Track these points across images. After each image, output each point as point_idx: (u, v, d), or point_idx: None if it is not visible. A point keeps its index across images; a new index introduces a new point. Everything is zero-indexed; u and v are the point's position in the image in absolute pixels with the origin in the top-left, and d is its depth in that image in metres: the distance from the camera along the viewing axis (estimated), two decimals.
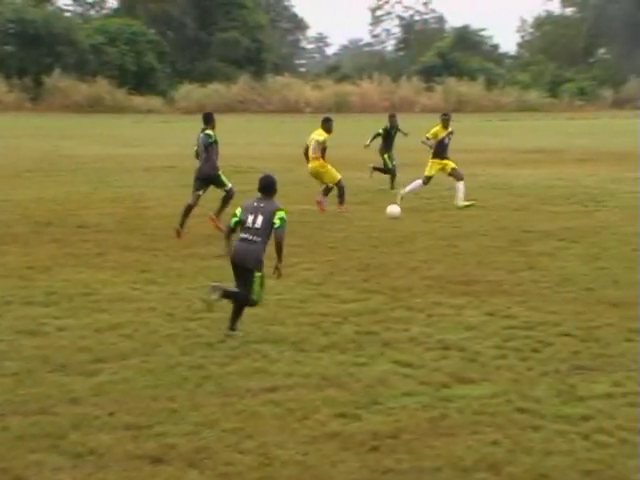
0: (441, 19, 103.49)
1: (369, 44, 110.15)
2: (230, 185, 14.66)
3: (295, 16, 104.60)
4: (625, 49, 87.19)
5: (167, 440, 5.87)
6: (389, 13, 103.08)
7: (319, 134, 17.04)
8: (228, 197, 14.53)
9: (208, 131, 14.57)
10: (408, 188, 17.38)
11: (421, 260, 11.77)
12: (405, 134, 21.01)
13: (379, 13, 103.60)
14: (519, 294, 9.82)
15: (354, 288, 10.19)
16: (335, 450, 5.73)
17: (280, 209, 8.43)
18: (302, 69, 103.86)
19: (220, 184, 14.64)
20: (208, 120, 14.77)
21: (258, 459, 5.61)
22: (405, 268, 11.27)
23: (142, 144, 34.87)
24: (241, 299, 8.34)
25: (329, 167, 16.79)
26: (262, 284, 8.34)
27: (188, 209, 14.08)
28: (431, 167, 17.24)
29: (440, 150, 17.08)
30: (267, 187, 8.72)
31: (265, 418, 6.25)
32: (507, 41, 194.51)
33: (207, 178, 14.46)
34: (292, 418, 6.24)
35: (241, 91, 71.86)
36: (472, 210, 16.41)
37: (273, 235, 8.31)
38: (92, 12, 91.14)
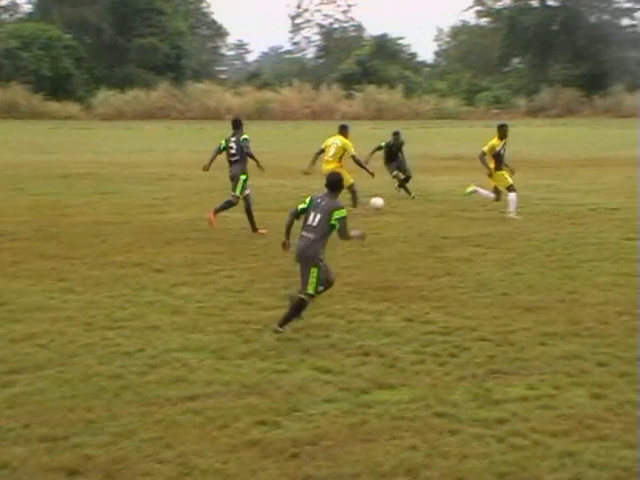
0: (360, 27, 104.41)
1: (289, 51, 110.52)
2: (238, 194, 15.18)
3: (215, 23, 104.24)
4: (537, 59, 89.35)
5: (84, 451, 5.78)
6: (309, 21, 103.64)
7: (338, 139, 17.76)
8: (231, 203, 15.21)
9: (245, 135, 15.37)
10: (482, 193, 17.44)
11: (342, 266, 11.81)
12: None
13: (299, 21, 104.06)
14: (437, 300, 9.96)
15: (275, 295, 10.19)
16: (255, 458, 5.72)
17: (338, 208, 8.71)
18: (222, 76, 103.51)
19: (234, 187, 15.20)
20: (238, 125, 15.56)
21: (177, 469, 5.57)
22: None
23: (59, 151, 34.31)
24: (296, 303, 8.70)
25: (344, 171, 16.45)
26: (318, 277, 8.63)
27: (248, 212, 15.03)
28: (502, 177, 17.05)
29: (499, 162, 16.97)
30: (332, 184, 8.97)
31: (184, 427, 6.20)
32: (425, 50, 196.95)
33: (232, 177, 15.22)
34: (212, 426, 6.21)
35: (161, 98, 71.35)
36: (391, 217, 16.57)
37: (338, 236, 8.78)
38: (5, 16, 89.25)
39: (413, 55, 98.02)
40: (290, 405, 6.60)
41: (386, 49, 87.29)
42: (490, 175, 16.96)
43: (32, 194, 19.87)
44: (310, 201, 8.81)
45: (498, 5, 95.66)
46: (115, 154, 32.63)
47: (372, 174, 17.98)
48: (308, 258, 8.66)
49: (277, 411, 6.49)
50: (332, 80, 79.08)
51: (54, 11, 78.33)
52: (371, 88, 73.38)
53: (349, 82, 76.28)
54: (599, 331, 8.59)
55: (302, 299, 8.65)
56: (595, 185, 22.11)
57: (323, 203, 8.72)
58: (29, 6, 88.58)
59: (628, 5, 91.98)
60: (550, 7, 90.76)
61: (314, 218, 8.66)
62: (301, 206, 8.85)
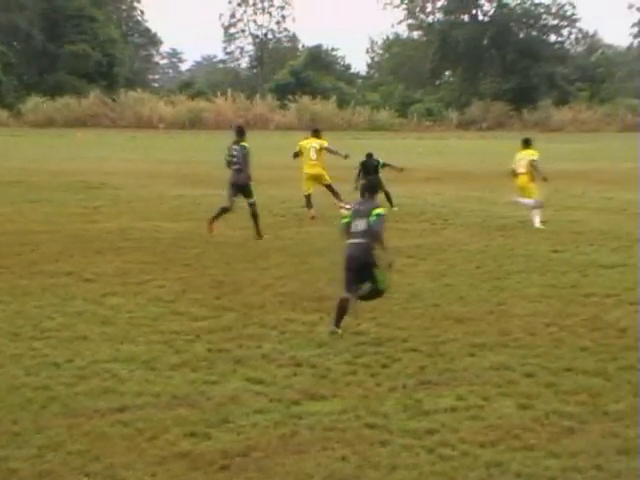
0: (294, 38, 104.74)
1: (223, 61, 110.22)
2: (254, 199, 15.57)
3: (148, 31, 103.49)
4: (468, 73, 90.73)
5: (9, 464, 5.66)
6: (242, 31, 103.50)
7: (316, 142, 19.09)
8: (254, 211, 15.53)
9: (244, 143, 15.60)
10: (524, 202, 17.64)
11: (274, 277, 11.83)
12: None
13: (233, 30, 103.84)
14: (369, 310, 9.98)
15: (207, 305, 10.13)
16: (184, 470, 5.68)
17: (377, 207, 9.10)
18: (155, 84, 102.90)
19: (248, 194, 15.53)
20: (242, 132, 15.90)
21: None
22: (258, 285, 11.30)
23: None
24: (371, 294, 9.08)
25: (324, 171, 19.04)
26: (383, 273, 9.00)
27: (223, 211, 15.39)
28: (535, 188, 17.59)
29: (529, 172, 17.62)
30: (370, 188, 9.52)
31: (113, 439, 6.12)
32: (358, 61, 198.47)
33: (242, 186, 15.42)
34: (141, 438, 6.14)
35: (92, 105, 70.51)
36: (324, 227, 16.62)
37: (371, 238, 8.93)
38: None
39: (347, 67, 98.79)
40: (221, 416, 6.57)
41: (320, 60, 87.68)
42: (545, 179, 17.84)
43: None
44: (352, 212, 9.24)
45: (430, 19, 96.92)
46: (45, 162, 32.12)
47: (346, 156, 19.08)
48: (365, 262, 8.95)
49: (207, 422, 6.45)
50: (266, 90, 79.22)
51: None
52: (305, 99, 73.59)
53: (283, 92, 76.40)
54: (527, 342, 8.73)
55: (379, 289, 9.03)
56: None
57: (362, 208, 9.15)
58: None
59: (555, 22, 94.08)
60: (481, 22, 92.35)
61: (359, 224, 9.00)
62: (345, 220, 9.31)
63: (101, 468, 5.65)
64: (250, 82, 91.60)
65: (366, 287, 9.09)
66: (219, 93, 74.05)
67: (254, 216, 15.50)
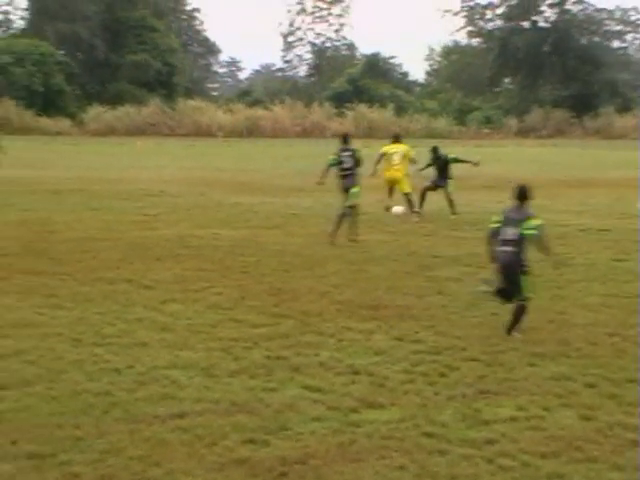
0: (352, 46, 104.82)
1: (281, 69, 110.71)
2: (352, 203, 16.05)
3: (207, 40, 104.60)
4: (528, 80, 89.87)
5: (71, 469, 5.74)
6: (301, 39, 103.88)
7: (400, 147, 19.54)
8: (345, 214, 15.91)
9: (353, 148, 16.35)
10: None
11: (331, 285, 11.83)
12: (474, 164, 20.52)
13: (291, 39, 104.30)
14: (427, 319, 9.95)
15: (265, 313, 10.17)
16: (243, 476, 5.70)
17: (530, 218, 9.17)
18: (214, 93, 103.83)
19: (349, 197, 15.99)
20: (348, 139, 16.51)
21: None
22: (316, 293, 11.31)
23: (50, 166, 34.27)
24: (512, 294, 9.20)
25: (405, 178, 19.43)
26: (528, 281, 9.19)
27: (342, 217, 15.75)
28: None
29: None
30: (522, 194, 9.39)
31: (173, 445, 6.17)
32: (416, 69, 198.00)
33: (347, 189, 15.91)
34: (200, 444, 6.18)
35: (152, 114, 71.40)
36: (382, 235, 16.60)
37: (533, 243, 9.17)
38: None
39: (404, 74, 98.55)
40: (279, 423, 6.58)
41: (378, 68, 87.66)
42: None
43: (22, 210, 19.83)
44: (503, 217, 9.29)
45: (490, 26, 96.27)
46: (106, 170, 32.60)
47: (421, 169, 19.71)
48: (514, 270, 9.13)
49: (266, 429, 6.47)
50: (323, 98, 79.37)
51: (47, 27, 78.38)
52: (362, 107, 73.60)
53: (340, 100, 76.51)
54: (588, 352, 8.60)
55: (522, 304, 9.14)
56: (585, 206, 22.20)
57: (514, 215, 9.21)
58: (22, 22, 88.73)
59: (618, 28, 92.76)
60: (541, 28, 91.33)
61: (509, 232, 9.09)
62: (494, 225, 9.35)
63: (161, 474, 5.71)
64: (308, 90, 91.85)
65: (512, 306, 9.25)
66: (277, 101, 74.46)
67: (346, 217, 15.86)
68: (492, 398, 7.24)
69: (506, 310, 10.36)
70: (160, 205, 21.29)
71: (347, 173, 15.93)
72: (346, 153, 16.04)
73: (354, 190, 15.93)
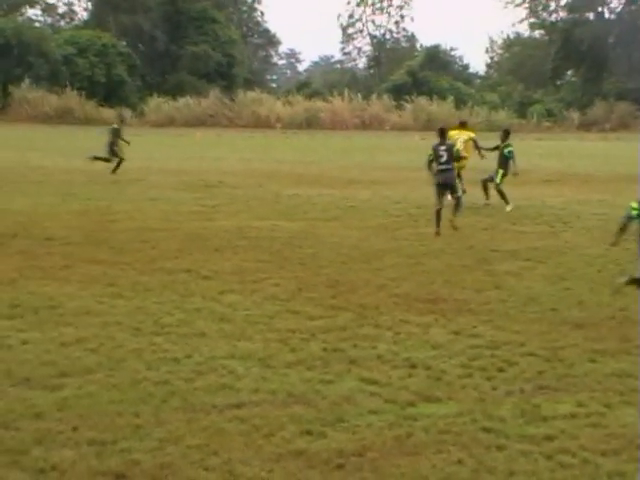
0: (412, 38, 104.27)
1: (340, 61, 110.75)
2: (460, 193, 16.84)
3: (267, 32, 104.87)
4: (592, 72, 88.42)
5: (131, 456, 5.82)
6: (360, 31, 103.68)
7: (465, 134, 20.20)
8: (458, 204, 16.54)
9: (449, 142, 16.73)
10: None
11: (389, 278, 11.80)
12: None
13: (350, 31, 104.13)
14: (485, 313, 9.87)
15: (322, 305, 10.19)
16: (300, 468, 5.72)
17: None
18: (273, 85, 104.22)
19: (455, 190, 16.56)
20: (444, 133, 16.65)
21: (223, 476, 5.58)
22: (373, 285, 11.30)
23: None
24: None
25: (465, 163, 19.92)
26: None
27: (438, 213, 15.89)
28: None
29: None
30: None
31: (230, 435, 6.22)
32: (476, 61, 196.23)
33: (450, 184, 16.31)
34: (258, 435, 6.22)
35: (211, 105, 71.95)
36: (440, 228, 16.49)
37: None
38: (62, 23, 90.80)
39: (465, 66, 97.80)
40: (336, 415, 6.59)
41: (438, 60, 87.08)
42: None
43: (83, 199, 20.14)
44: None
45: (552, 17, 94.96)
46: (165, 161, 32.96)
47: (482, 157, 20.23)
48: None
49: (323, 421, 6.48)
50: (382, 90, 79.09)
51: (109, 19, 79.47)
52: (421, 99, 73.21)
53: (399, 93, 76.18)
54: None
55: None
56: None
57: None
58: (85, 13, 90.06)
59: None
60: (606, 20, 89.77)
61: None
62: (635, 212, 9.29)
63: (219, 463, 5.75)
64: (367, 82, 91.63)
65: None
66: (336, 93, 74.40)
67: (457, 206, 16.42)
68: (551, 394, 7.16)
69: (565, 305, 10.25)
70: (219, 196, 21.45)
71: (445, 167, 16.13)
72: (442, 147, 16.19)
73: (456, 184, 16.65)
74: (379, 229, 16.27)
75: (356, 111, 73.21)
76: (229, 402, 6.84)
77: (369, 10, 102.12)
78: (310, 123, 70.43)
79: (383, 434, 6.26)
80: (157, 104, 71.04)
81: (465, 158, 19.66)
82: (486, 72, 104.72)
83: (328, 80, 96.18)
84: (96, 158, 26.06)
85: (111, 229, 15.72)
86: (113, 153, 25.95)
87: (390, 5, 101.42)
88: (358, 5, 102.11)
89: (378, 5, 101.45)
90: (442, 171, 16.17)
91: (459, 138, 19.88)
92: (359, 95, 74.83)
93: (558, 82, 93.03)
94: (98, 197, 20.58)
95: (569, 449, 6.01)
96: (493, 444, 6.10)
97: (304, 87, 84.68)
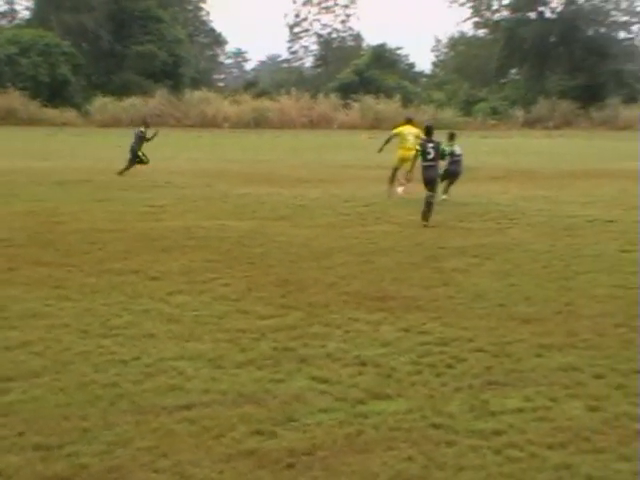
0: (358, 37, 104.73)
1: (287, 60, 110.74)
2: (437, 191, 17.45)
3: (213, 31, 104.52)
4: (535, 70, 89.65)
5: (78, 460, 5.75)
6: (307, 30, 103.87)
7: (414, 130, 21.41)
8: (432, 202, 16.96)
9: (437, 140, 17.38)
10: None
11: (338, 276, 11.82)
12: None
13: (297, 30, 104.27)
14: (434, 310, 9.94)
15: (272, 304, 10.17)
16: (250, 468, 5.70)
17: None
18: (220, 84, 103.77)
19: (434, 189, 17.05)
20: (431, 131, 17.47)
21: (173, 478, 5.54)
22: (322, 284, 11.31)
23: (55, 157, 34.30)
24: None
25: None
26: None
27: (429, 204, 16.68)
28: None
29: None
30: None
31: (180, 436, 6.18)
32: (422, 60, 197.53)
33: (432, 181, 16.95)
34: (208, 436, 6.18)
35: (158, 105, 71.43)
36: (388, 226, 16.59)
37: None
38: (3, 22, 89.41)
39: (411, 65, 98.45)
40: (286, 415, 6.58)
41: (384, 59, 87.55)
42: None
43: (27, 200, 19.84)
44: None
45: (496, 17, 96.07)
46: (112, 161, 32.60)
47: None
48: None
49: (273, 420, 6.47)
50: (330, 89, 79.32)
51: (52, 17, 78.42)
52: (368, 98, 73.53)
53: (347, 91, 76.48)
54: (596, 343, 8.58)
55: None
56: (592, 197, 22.14)
57: None
58: (27, 12, 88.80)
59: (624, 19, 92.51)
60: (548, 19, 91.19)
61: None
62: None
63: (169, 465, 5.71)
64: (314, 81, 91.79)
65: None
66: (283, 92, 74.40)
67: (429, 205, 16.77)
68: (499, 389, 7.23)
69: (512, 301, 10.36)
70: (167, 196, 21.30)
71: (430, 164, 16.82)
72: (430, 144, 16.91)
73: (436, 182, 17.22)
74: (328, 228, 16.30)
75: (304, 110, 73.30)
76: (178, 403, 6.79)
77: (315, 9, 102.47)
78: (258, 122, 70.34)
79: (333, 432, 6.27)
80: (103, 104, 70.32)
81: (411, 150, 20.23)
82: (432, 71, 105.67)
83: (275, 79, 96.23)
84: (127, 168, 26.40)
85: (57, 231, 15.52)
86: (135, 156, 26.37)
87: (336, 4, 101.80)
88: (304, 4, 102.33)
89: (324, 4, 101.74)
90: (427, 167, 16.85)
91: (410, 133, 21.26)
92: (307, 94, 74.92)
93: (502, 80, 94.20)
94: (43, 198, 20.30)
95: (517, 443, 6.07)
96: (443, 440, 6.14)
97: (251, 86, 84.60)
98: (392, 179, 21.78)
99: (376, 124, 70.62)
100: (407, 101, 74.92)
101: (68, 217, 17.36)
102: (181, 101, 72.52)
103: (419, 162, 17.48)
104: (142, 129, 27.04)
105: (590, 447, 6.01)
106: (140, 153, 26.56)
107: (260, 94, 77.53)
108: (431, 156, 16.84)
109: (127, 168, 26.49)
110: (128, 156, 26.71)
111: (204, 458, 5.81)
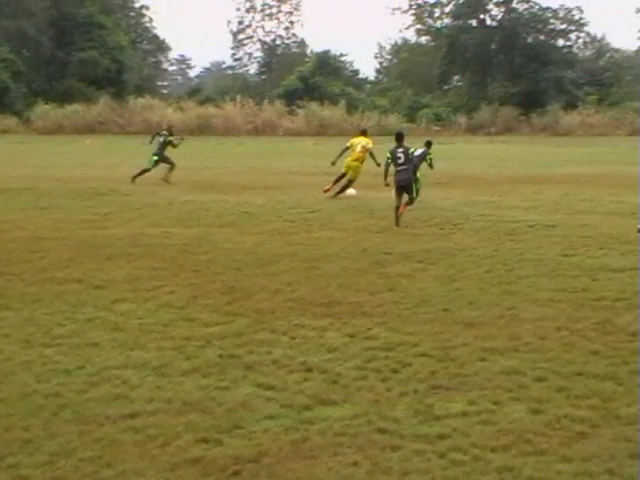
0: (302, 44, 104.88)
1: (231, 67, 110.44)
2: (414, 194, 18.31)
3: (157, 37, 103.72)
4: (477, 77, 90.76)
5: (20, 472, 5.67)
6: (251, 37, 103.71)
7: (365, 141, 22.66)
8: (411, 202, 18.17)
9: (407, 146, 18.37)
10: None
11: (284, 282, 11.83)
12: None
13: (241, 37, 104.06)
14: (379, 315, 10.00)
15: (217, 311, 10.14)
16: (196, 476, 5.68)
17: None
18: (164, 91, 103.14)
19: (409, 190, 17.97)
20: (402, 137, 18.32)
21: None
22: (268, 290, 11.30)
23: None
24: None
25: (360, 166, 22.52)
26: None
27: (398, 210, 17.50)
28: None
29: None
30: None
31: (125, 445, 6.12)
32: (366, 67, 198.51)
33: (407, 185, 17.79)
34: (153, 444, 6.14)
35: (101, 112, 70.77)
36: (334, 232, 16.64)
37: None
38: None
39: (355, 72, 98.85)
40: (232, 422, 6.56)
41: (328, 65, 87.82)
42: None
43: None
44: None
45: (438, 24, 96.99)
46: (54, 169, 32.23)
47: (378, 164, 20.73)
48: None
49: (219, 428, 6.45)
50: (275, 96, 79.32)
51: None
52: (313, 104, 73.70)
53: (292, 98, 76.56)
54: (538, 346, 8.71)
55: None
56: (533, 202, 22.46)
57: None
58: None
59: (563, 26, 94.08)
60: (489, 27, 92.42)
61: None
62: None
63: (113, 475, 5.66)
64: (259, 88, 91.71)
65: None
66: (228, 99, 74.21)
67: (409, 204, 17.80)
68: (444, 393, 7.29)
69: (456, 305, 10.46)
70: (111, 204, 21.11)
71: (403, 168, 17.71)
72: (400, 150, 17.83)
73: (412, 185, 18.09)
74: (274, 234, 16.30)
75: (249, 117, 73.21)
76: (123, 412, 6.74)
77: (259, 16, 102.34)
78: (203, 129, 70.01)
79: (279, 439, 6.27)
80: (44, 111, 69.40)
81: (360, 162, 22.38)
82: (376, 77, 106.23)
83: (220, 86, 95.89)
84: (167, 179, 26.63)
85: None
86: (163, 160, 26.63)
87: (280, 11, 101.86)
88: (248, 11, 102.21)
89: (268, 11, 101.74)
90: (400, 171, 17.70)
91: (359, 143, 22.50)
92: (251, 101, 74.84)
93: (445, 87, 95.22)
94: None
95: (461, 447, 6.13)
96: (388, 445, 6.18)
97: (196, 93, 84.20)
98: (337, 181, 22.74)
99: (321, 130, 70.85)
100: (352, 107, 75.27)
101: (9, 225, 17.11)
102: (125, 108, 71.92)
103: (392, 168, 18.04)
104: (165, 132, 27.30)
105: (532, 449, 6.10)
106: (155, 158, 26.70)
107: (204, 101, 77.23)
108: (401, 160, 17.68)
109: (170, 169, 26.75)
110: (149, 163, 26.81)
111: (149, 467, 5.77)
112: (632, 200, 22.46)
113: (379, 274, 12.53)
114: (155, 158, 26.63)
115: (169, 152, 26.85)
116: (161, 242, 15.17)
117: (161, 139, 26.83)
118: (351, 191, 19.60)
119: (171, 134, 27.44)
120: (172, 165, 26.69)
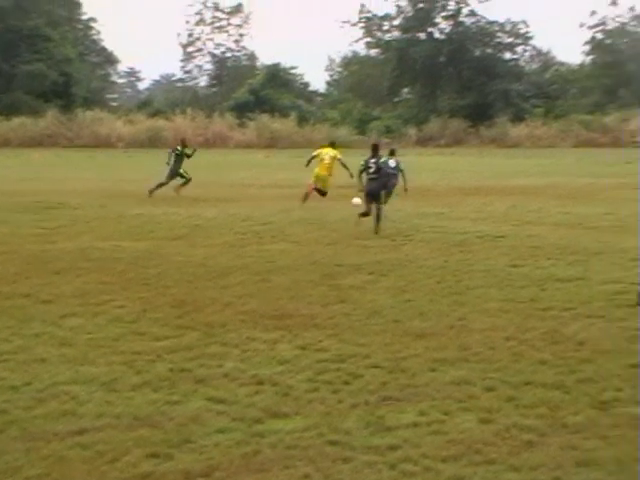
0: (252, 56, 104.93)
1: (181, 79, 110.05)
2: (382, 203, 18.88)
3: (105, 50, 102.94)
4: (426, 90, 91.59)
5: None
6: (200, 50, 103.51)
7: (333, 152, 23.62)
8: (379, 214, 18.48)
9: (384, 158, 20.12)
10: None
11: (235, 295, 11.79)
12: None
13: (191, 49, 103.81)
14: (331, 327, 10.01)
15: (168, 325, 10.07)
16: None
17: None
18: (114, 103, 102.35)
19: (378, 199, 18.57)
20: (377, 149, 19.18)
21: None
22: (219, 303, 11.26)
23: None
24: None
25: (330, 177, 23.70)
26: None
27: (365, 215, 18.54)
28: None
29: None
30: None
31: (73, 462, 6.04)
32: (317, 79, 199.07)
33: (375, 193, 18.49)
34: (102, 461, 6.07)
35: (49, 125, 70.07)
36: (285, 245, 16.64)
37: None
38: None
39: (305, 84, 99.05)
40: (183, 436, 6.52)
41: (279, 78, 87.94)
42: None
43: None
44: None
45: (387, 37, 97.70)
46: (0, 182, 31.78)
47: (352, 175, 21.12)
48: None
49: (169, 443, 6.39)
50: (225, 109, 79.24)
51: None
52: (264, 117, 73.75)
53: (242, 111, 76.55)
54: (487, 356, 8.79)
55: None
56: (482, 213, 22.71)
57: None
58: None
59: (509, 40, 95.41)
60: (437, 40, 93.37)
61: None
62: None
63: None
64: (209, 101, 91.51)
65: None
66: (178, 112, 73.92)
67: (378, 217, 18.27)
68: (395, 404, 7.32)
69: (407, 316, 10.52)
70: (59, 217, 20.87)
71: (373, 177, 18.51)
72: (372, 160, 18.61)
73: (382, 193, 18.83)
74: (225, 247, 16.25)
75: (199, 129, 72.99)
76: (71, 429, 6.65)
77: (208, 29, 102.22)
78: (153, 142, 69.61)
79: (230, 453, 6.24)
80: None
81: (327, 170, 23.46)
82: (326, 90, 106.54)
83: (170, 99, 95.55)
84: (181, 187, 27.04)
85: None
86: (177, 175, 27.00)
87: (229, 24, 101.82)
88: (197, 24, 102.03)
89: (217, 24, 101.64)
90: (370, 180, 18.54)
91: (327, 154, 23.56)
92: (202, 113, 74.65)
93: (395, 99, 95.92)
94: None
95: (412, 457, 6.16)
96: (339, 457, 6.18)
97: (146, 106, 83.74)
98: (306, 197, 23.59)
99: (272, 143, 70.92)
100: (302, 120, 75.46)
101: None
102: (73, 121, 71.26)
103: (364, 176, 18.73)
104: (178, 147, 27.48)
105: (482, 459, 6.14)
106: (182, 171, 27.10)
107: (154, 113, 76.83)
108: (372, 170, 18.51)
109: (184, 183, 27.12)
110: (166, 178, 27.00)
111: None
112: (578, 211, 22.84)
113: (330, 286, 12.55)
114: (181, 172, 27.13)
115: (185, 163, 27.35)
116: (111, 256, 15.04)
117: (175, 153, 27.06)
118: (356, 200, 19.59)
119: (185, 146, 27.81)
120: (187, 180, 27.12)
